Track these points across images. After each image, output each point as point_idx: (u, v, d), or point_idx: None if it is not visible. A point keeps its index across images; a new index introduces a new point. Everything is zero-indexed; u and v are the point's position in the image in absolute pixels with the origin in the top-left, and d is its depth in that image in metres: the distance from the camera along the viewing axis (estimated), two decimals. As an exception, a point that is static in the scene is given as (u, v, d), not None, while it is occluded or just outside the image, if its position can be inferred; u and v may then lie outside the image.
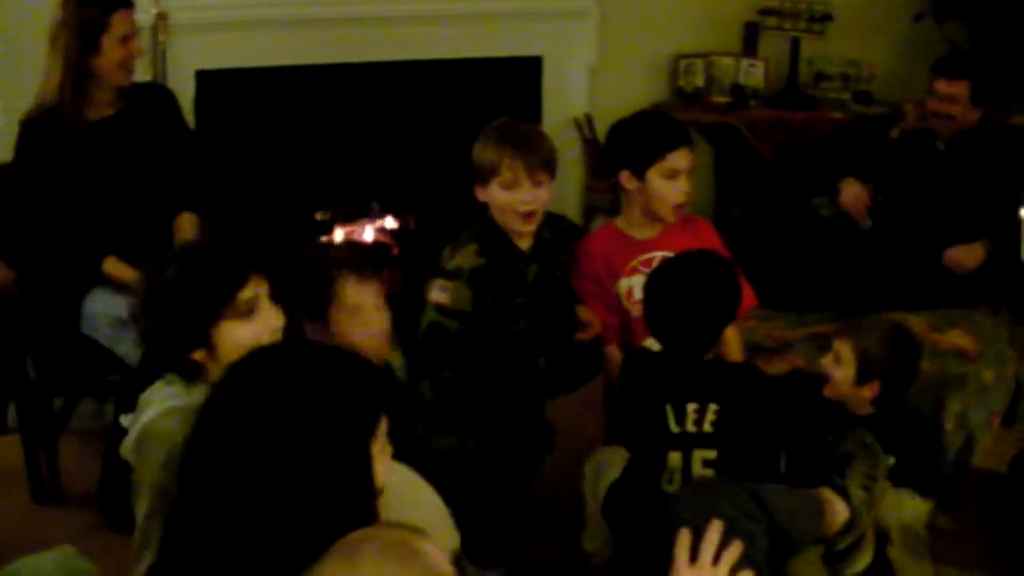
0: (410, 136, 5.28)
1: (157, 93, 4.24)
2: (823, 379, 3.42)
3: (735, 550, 2.06)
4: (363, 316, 2.92)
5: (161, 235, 3.92)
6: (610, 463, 3.27)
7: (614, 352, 3.64)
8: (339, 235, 5.35)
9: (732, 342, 3.59)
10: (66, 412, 4.17)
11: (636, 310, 3.48)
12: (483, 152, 3.43)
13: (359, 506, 1.92)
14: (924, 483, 3.42)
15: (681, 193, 3.64)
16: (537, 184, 3.41)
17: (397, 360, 3.34)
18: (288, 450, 1.88)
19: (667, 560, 2.06)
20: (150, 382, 2.59)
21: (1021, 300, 4.22)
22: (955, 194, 4.51)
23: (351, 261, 3.08)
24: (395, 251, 5.42)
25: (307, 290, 2.95)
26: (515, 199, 3.40)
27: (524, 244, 3.51)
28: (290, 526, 1.85)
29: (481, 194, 3.46)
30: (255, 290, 2.50)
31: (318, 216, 5.13)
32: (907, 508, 3.37)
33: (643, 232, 3.69)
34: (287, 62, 4.94)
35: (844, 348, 3.37)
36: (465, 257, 3.44)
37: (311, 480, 1.88)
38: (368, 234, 5.44)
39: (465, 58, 5.31)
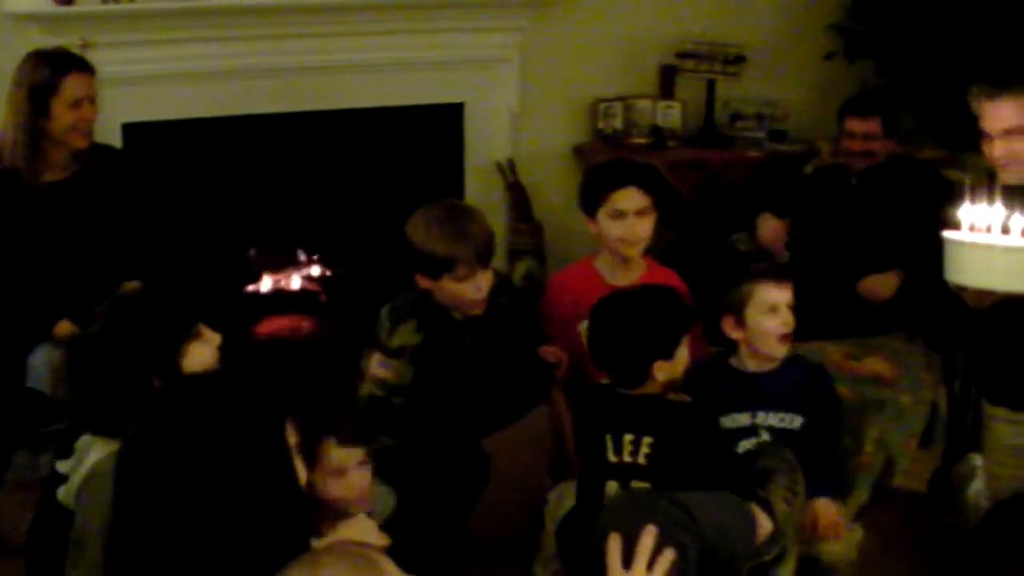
0: (336, 184, 5.33)
1: (117, 157, 4.25)
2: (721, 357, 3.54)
3: (668, 556, 2.07)
4: (346, 479, 2.87)
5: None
6: (571, 491, 3.33)
7: (559, 398, 3.71)
8: (267, 283, 5.39)
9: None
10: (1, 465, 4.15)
11: None
12: (432, 245, 3.39)
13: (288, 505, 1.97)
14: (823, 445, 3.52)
15: (629, 232, 3.70)
16: (485, 269, 3.45)
17: (388, 507, 3.26)
18: (211, 465, 1.93)
19: (600, 570, 2.10)
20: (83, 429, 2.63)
21: (935, 326, 4.33)
22: (868, 226, 4.63)
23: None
24: (323, 298, 5.47)
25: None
26: (469, 288, 3.41)
27: (458, 314, 3.53)
28: (225, 538, 1.89)
29: (427, 283, 3.44)
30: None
31: (248, 262, 5.18)
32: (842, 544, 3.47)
33: (615, 277, 3.75)
34: (213, 113, 4.97)
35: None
36: (406, 335, 3.47)
37: (238, 485, 1.92)
38: (295, 282, 5.48)
39: (389, 106, 5.37)
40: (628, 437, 3.13)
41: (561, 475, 3.65)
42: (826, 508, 3.38)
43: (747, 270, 3.55)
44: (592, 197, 3.72)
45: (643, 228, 3.71)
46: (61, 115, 3.86)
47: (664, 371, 3.14)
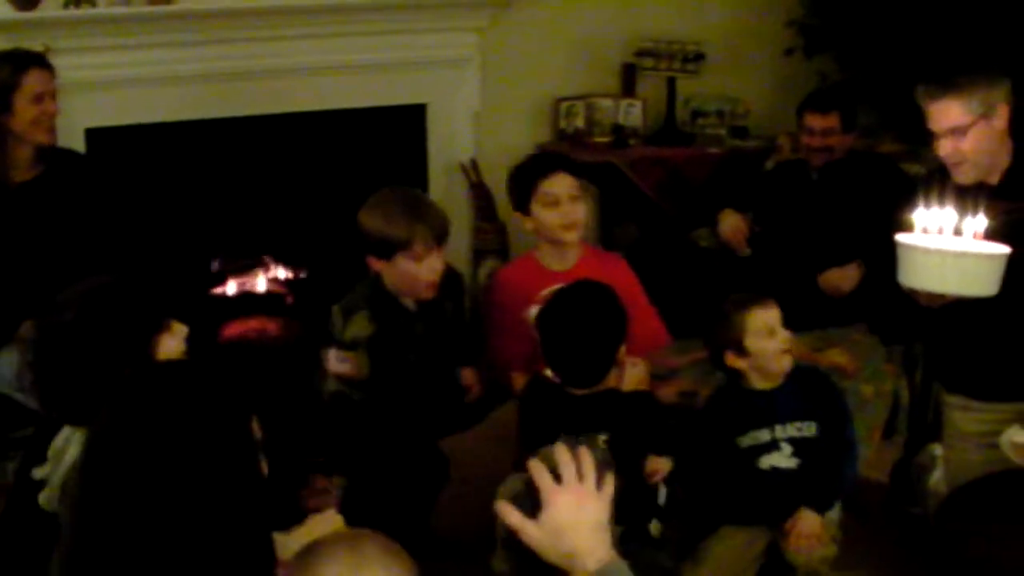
0: (300, 186, 5.34)
1: (79, 161, 4.26)
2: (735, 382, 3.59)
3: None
4: None
5: None
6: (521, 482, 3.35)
7: (518, 379, 3.75)
8: (232, 286, 5.39)
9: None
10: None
11: None
12: (390, 225, 3.45)
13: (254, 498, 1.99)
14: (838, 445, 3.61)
15: (566, 217, 3.74)
16: (440, 253, 3.51)
17: None
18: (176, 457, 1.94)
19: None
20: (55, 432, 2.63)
21: (890, 320, 4.39)
22: (829, 220, 4.67)
23: None
24: (289, 300, 5.48)
25: None
26: (424, 268, 3.47)
27: (410, 304, 3.58)
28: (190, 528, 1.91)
29: (380, 265, 3.50)
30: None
31: (212, 268, 5.17)
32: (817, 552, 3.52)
33: (558, 264, 3.79)
34: (176, 117, 4.97)
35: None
36: (359, 326, 3.51)
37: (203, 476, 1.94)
38: (261, 284, 5.49)
39: (351, 108, 5.38)
40: (583, 437, 3.15)
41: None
42: (807, 520, 3.45)
43: (731, 302, 3.59)
44: (523, 190, 3.76)
45: (578, 211, 3.77)
46: (23, 110, 3.89)
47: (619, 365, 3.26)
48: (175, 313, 2.69)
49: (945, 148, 3.36)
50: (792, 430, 3.57)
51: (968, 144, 3.33)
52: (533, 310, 3.71)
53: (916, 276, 3.06)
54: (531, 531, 1.94)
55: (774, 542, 3.56)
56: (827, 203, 4.72)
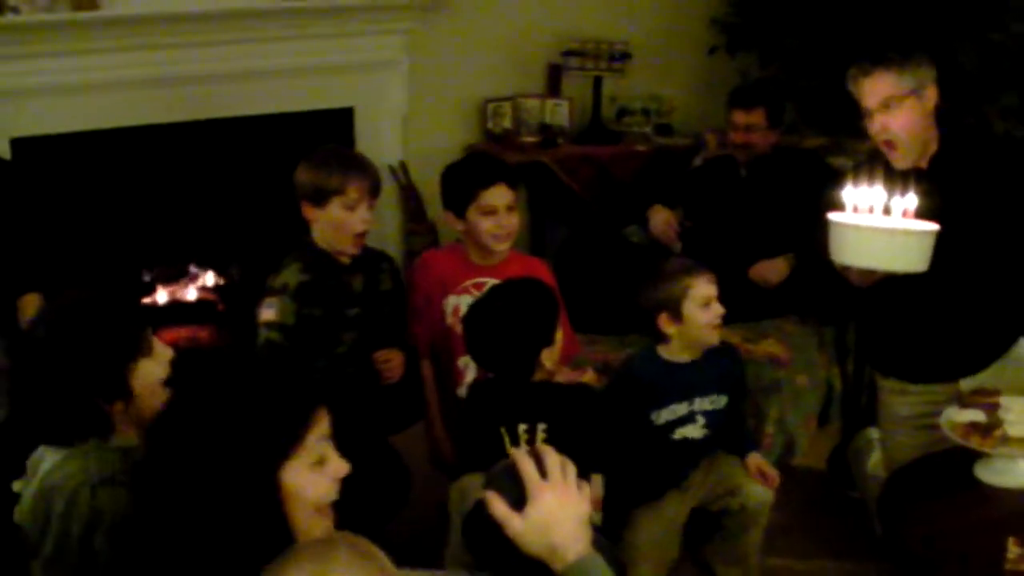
0: (230, 192, 5.30)
1: (2, 167, 4.20)
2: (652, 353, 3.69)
3: (571, 466, 2.06)
4: None
5: (6, 315, 3.91)
6: (475, 486, 3.37)
7: (427, 366, 3.84)
8: (163, 295, 5.36)
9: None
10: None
11: (459, 327, 3.59)
12: (325, 174, 3.52)
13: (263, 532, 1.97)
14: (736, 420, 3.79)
15: (500, 227, 3.77)
16: (371, 207, 3.57)
17: None
18: (200, 477, 1.95)
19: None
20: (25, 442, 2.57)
21: (825, 302, 4.44)
22: (757, 214, 4.73)
23: None
24: (220, 307, 5.45)
25: None
26: (355, 218, 3.52)
27: (344, 260, 3.62)
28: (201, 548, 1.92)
29: (313, 213, 3.55)
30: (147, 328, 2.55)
31: (143, 277, 5.14)
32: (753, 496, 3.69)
33: (483, 259, 3.82)
34: (103, 125, 4.91)
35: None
36: (290, 274, 3.54)
37: (217, 507, 1.94)
38: (191, 293, 5.46)
39: (278, 113, 5.35)
40: (523, 427, 3.21)
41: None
42: (758, 459, 3.72)
43: (675, 267, 3.69)
44: (462, 195, 3.77)
45: (513, 223, 3.78)
46: None
47: (550, 357, 3.25)
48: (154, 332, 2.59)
49: (877, 125, 3.42)
50: (707, 403, 3.68)
51: (899, 120, 3.39)
52: (451, 299, 3.77)
53: (848, 253, 3.10)
54: (516, 524, 1.99)
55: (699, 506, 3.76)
56: (755, 197, 4.77)
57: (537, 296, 3.32)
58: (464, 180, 3.81)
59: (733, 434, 3.77)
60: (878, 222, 3.02)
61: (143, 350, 2.49)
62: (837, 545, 4.00)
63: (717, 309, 3.59)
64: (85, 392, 2.44)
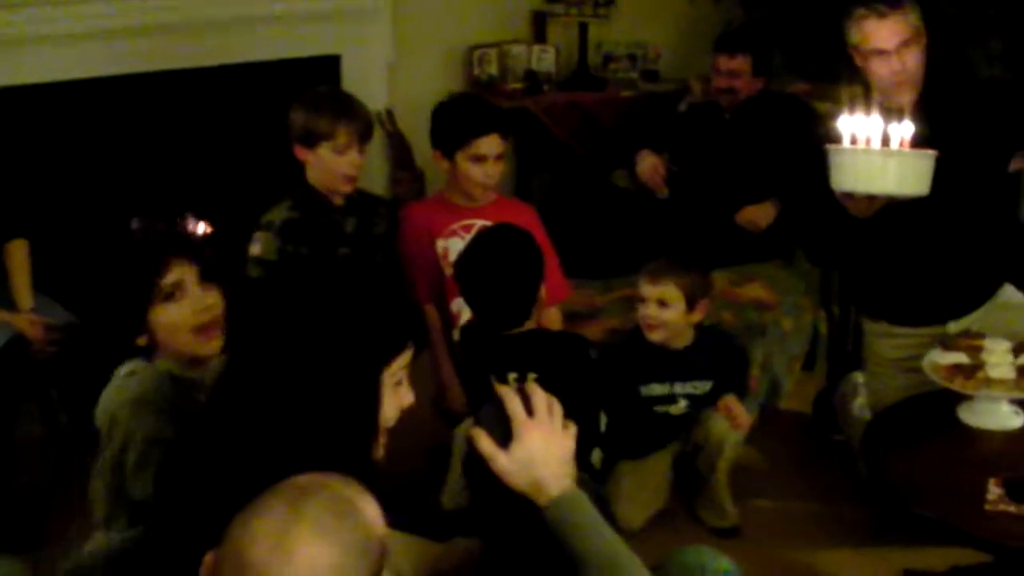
0: (217, 141, 5.30)
1: None
2: (639, 332, 3.71)
3: (558, 405, 2.14)
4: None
5: None
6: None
7: (431, 311, 3.85)
8: (151, 244, 5.36)
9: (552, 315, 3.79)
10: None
11: (449, 270, 3.64)
12: (316, 117, 3.58)
13: (357, 431, 2.04)
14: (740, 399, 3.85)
15: (488, 176, 3.79)
16: (362, 151, 3.63)
17: None
18: (301, 364, 1.99)
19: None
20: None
21: (816, 241, 4.46)
22: (743, 159, 4.75)
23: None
24: (208, 254, 5.45)
25: None
26: (344, 162, 3.59)
27: (338, 200, 3.68)
28: (286, 439, 1.95)
29: (305, 154, 3.62)
30: (179, 275, 2.59)
31: (131, 227, 5.13)
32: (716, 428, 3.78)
33: (466, 202, 3.84)
34: (88, 74, 4.89)
35: (668, 290, 3.67)
36: (278, 211, 3.63)
37: (317, 394, 1.98)
38: (180, 241, 5.46)
39: (264, 61, 5.33)
40: (512, 376, 3.24)
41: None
42: (732, 400, 3.80)
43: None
44: (453, 139, 3.80)
45: (499, 171, 3.84)
46: None
47: (539, 305, 3.31)
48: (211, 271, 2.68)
49: (892, 65, 3.41)
50: (690, 387, 3.79)
51: (914, 58, 3.42)
52: (439, 243, 3.80)
53: (850, 179, 3.07)
54: (501, 460, 2.06)
55: (682, 455, 3.86)
56: (741, 142, 4.80)
57: (527, 245, 3.36)
58: (457, 124, 3.83)
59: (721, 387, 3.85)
60: (879, 147, 3.01)
61: (161, 296, 2.56)
62: (821, 488, 4.05)
63: (653, 309, 3.69)
64: (111, 328, 2.63)
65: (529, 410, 2.08)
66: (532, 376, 3.21)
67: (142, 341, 2.60)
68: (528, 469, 2.05)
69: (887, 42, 3.41)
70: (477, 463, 2.14)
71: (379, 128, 5.62)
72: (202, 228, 5.26)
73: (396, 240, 3.91)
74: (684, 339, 3.76)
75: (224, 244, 5.21)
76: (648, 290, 3.69)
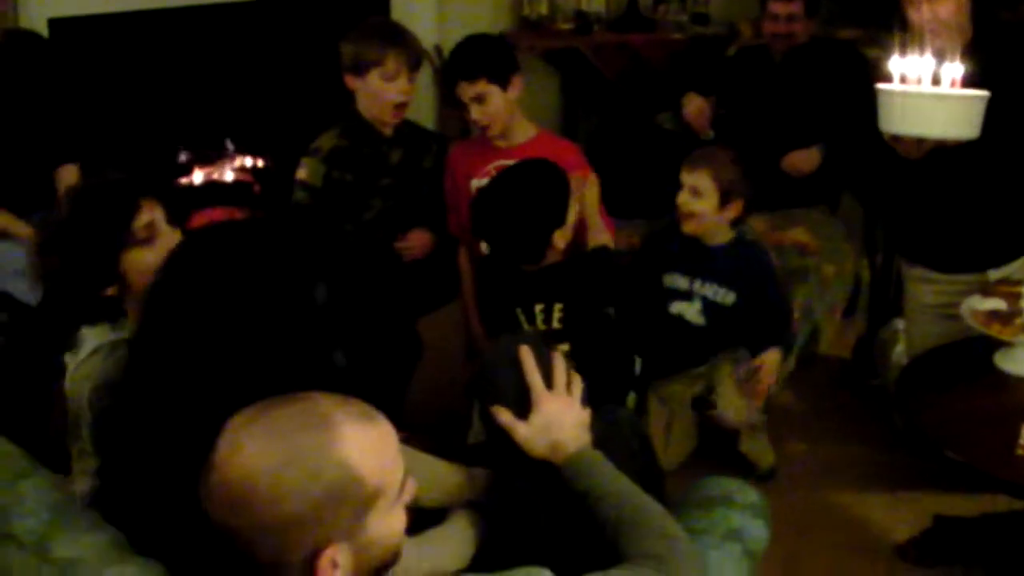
0: (264, 73, 5.33)
1: (30, 42, 4.24)
2: (677, 222, 3.75)
3: (578, 381, 2.22)
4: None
5: (44, 187, 3.97)
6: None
7: (462, 255, 3.89)
8: (199, 176, 5.41)
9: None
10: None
11: None
12: (366, 45, 3.61)
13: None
14: (768, 318, 3.80)
15: (482, 116, 3.68)
16: (411, 80, 3.65)
17: None
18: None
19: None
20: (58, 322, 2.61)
21: (864, 182, 4.44)
22: (791, 103, 4.72)
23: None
24: (256, 189, 5.50)
25: None
26: (393, 89, 3.62)
27: (386, 131, 3.72)
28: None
29: (355, 83, 3.65)
30: (151, 215, 2.50)
31: (179, 158, 5.17)
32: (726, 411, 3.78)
33: (506, 142, 3.80)
34: (138, 6, 4.93)
35: (702, 180, 3.66)
36: (327, 138, 3.68)
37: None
38: (228, 174, 5.50)
39: (315, -4, 5.37)
40: (539, 307, 3.25)
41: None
42: (773, 359, 3.75)
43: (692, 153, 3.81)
44: (449, 85, 3.80)
45: (489, 111, 3.68)
46: None
47: (563, 237, 3.24)
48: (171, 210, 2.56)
49: (925, 13, 3.39)
50: (708, 290, 3.76)
51: (946, 10, 3.38)
52: (474, 183, 3.78)
53: (899, 121, 3.04)
54: (521, 430, 2.16)
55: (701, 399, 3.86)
56: (789, 87, 4.77)
57: (546, 176, 3.27)
58: (446, 71, 3.83)
59: (752, 335, 3.80)
60: (930, 89, 2.96)
61: (135, 240, 2.47)
62: (857, 433, 4.06)
63: (687, 198, 3.68)
64: (80, 277, 2.48)
65: (549, 383, 2.17)
66: (559, 306, 3.23)
67: (112, 291, 2.50)
68: (545, 432, 2.14)
69: None
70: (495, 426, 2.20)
71: (428, 66, 5.63)
72: (248, 161, 5.34)
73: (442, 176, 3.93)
74: (717, 238, 3.74)
75: (273, 173, 5.30)
76: (684, 177, 3.70)
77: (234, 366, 1.82)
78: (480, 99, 3.66)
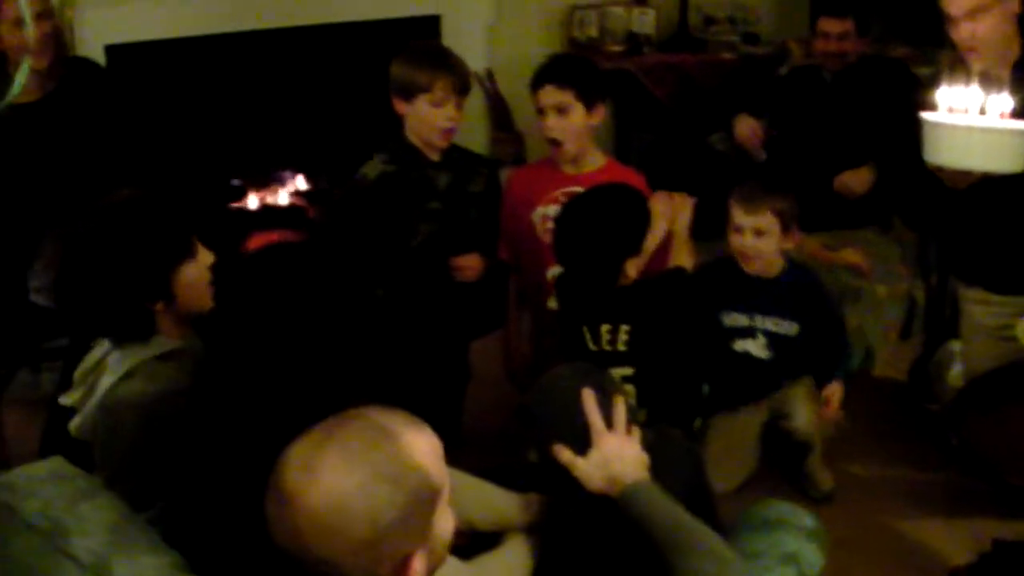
0: (317, 100, 5.37)
1: (97, 72, 4.30)
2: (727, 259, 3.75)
3: (636, 430, 2.27)
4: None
5: None
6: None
7: (513, 279, 3.92)
8: (253, 201, 5.45)
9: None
10: (4, 382, 4.20)
11: (547, 237, 3.62)
12: (415, 70, 3.62)
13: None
14: (828, 344, 3.79)
15: (549, 130, 3.69)
16: (459, 105, 3.66)
17: None
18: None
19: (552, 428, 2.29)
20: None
21: (913, 207, 4.41)
22: (843, 123, 4.70)
23: None
24: (310, 212, 5.53)
25: None
26: (441, 114, 3.63)
27: (434, 156, 3.72)
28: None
29: (403, 108, 3.67)
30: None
31: (233, 183, 5.23)
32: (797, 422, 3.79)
33: (575, 168, 3.79)
34: (193, 32, 4.98)
35: (764, 218, 3.65)
36: (372, 166, 3.69)
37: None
38: (283, 198, 5.55)
39: (366, 20, 5.39)
40: (605, 327, 3.26)
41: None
42: (838, 392, 3.74)
43: (739, 188, 3.77)
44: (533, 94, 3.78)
45: (564, 124, 3.68)
46: (7, 35, 3.83)
47: (635, 266, 3.24)
48: (201, 233, 2.59)
49: (963, 31, 3.38)
50: (770, 324, 3.75)
51: (985, 27, 3.36)
52: (539, 210, 3.78)
53: (944, 153, 3.03)
54: (580, 465, 2.22)
55: (771, 422, 3.84)
56: (841, 107, 4.74)
57: (626, 204, 3.27)
58: (536, 73, 3.79)
59: (816, 363, 3.80)
60: (975, 121, 2.96)
61: (189, 253, 2.51)
62: (913, 456, 4.02)
63: (750, 239, 3.67)
64: (127, 291, 2.45)
65: (609, 423, 2.24)
66: (625, 328, 3.23)
67: (159, 306, 2.49)
68: (604, 468, 2.19)
69: (957, 8, 3.38)
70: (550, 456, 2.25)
71: (479, 89, 5.66)
72: (302, 184, 5.38)
73: (496, 200, 3.92)
74: (773, 269, 3.74)
75: (328, 197, 5.34)
76: (744, 219, 3.67)
77: (306, 381, 1.89)
78: (562, 109, 3.67)
